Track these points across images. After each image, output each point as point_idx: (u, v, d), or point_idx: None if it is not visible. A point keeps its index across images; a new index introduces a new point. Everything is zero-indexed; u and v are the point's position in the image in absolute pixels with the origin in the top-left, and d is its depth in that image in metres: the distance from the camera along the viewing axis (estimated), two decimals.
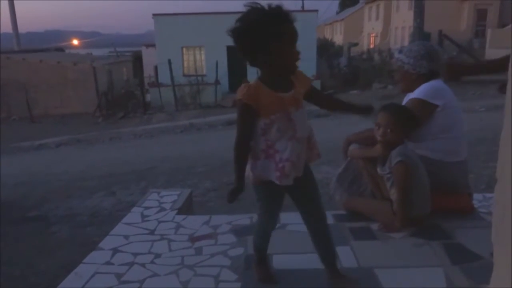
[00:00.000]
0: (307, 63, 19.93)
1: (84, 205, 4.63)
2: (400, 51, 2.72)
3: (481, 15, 30.03)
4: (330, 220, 2.62)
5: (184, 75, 20.53)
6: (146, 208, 2.96)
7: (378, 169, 2.48)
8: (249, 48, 1.67)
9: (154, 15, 22.16)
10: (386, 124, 2.36)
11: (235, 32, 1.65)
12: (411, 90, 2.62)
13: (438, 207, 2.48)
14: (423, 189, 2.38)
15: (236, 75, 21.56)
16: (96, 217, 4.18)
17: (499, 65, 2.22)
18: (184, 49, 22.41)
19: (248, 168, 1.74)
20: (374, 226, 2.47)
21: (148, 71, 24.80)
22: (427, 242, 2.28)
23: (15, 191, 5.43)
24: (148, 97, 19.54)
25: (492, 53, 19.57)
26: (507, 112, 1.52)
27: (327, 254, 1.92)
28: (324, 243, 1.90)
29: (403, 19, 31.47)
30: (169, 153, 7.74)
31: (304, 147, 1.77)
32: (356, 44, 34.40)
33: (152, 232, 2.58)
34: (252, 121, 1.69)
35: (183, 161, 6.63)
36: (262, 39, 1.61)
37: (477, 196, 2.85)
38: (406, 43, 24.91)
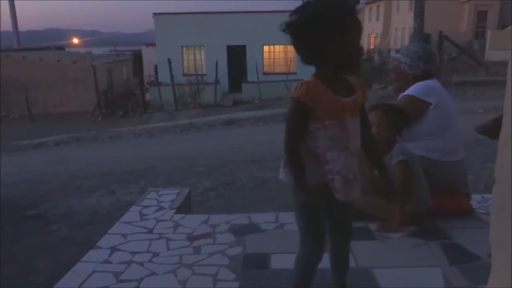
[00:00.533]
0: None
1: (83, 204, 4.63)
2: (398, 51, 2.74)
3: (481, 17, 30.05)
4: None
5: (184, 75, 20.54)
6: (145, 207, 2.96)
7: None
8: (309, 44, 1.47)
9: (154, 14, 22.18)
10: (378, 122, 2.39)
11: (292, 26, 1.47)
12: (404, 90, 2.64)
13: (436, 207, 2.49)
14: (421, 184, 2.39)
15: (235, 75, 21.62)
16: (95, 216, 4.18)
17: None
18: (184, 48, 22.43)
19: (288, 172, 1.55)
20: (373, 226, 2.47)
21: (148, 70, 24.83)
22: (426, 242, 2.28)
23: (14, 189, 5.43)
24: (148, 96, 19.55)
25: (492, 54, 19.58)
26: (506, 114, 1.52)
27: (341, 274, 1.78)
28: (342, 263, 1.76)
29: (403, 19, 31.48)
30: (169, 152, 7.73)
31: (357, 162, 1.56)
32: None
33: (150, 231, 2.58)
34: (304, 123, 1.50)
35: (183, 161, 6.63)
36: (325, 32, 1.43)
37: (475, 197, 2.85)
38: (406, 43, 24.90)
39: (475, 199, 2.81)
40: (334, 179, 1.51)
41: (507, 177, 1.48)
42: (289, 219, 2.61)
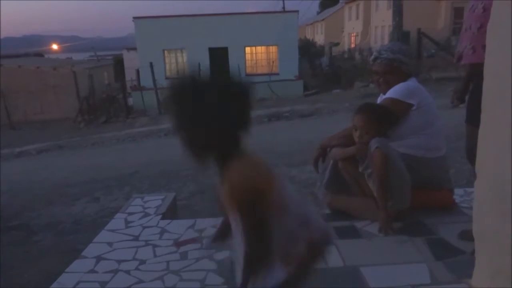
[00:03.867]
0: (289, 64, 20.06)
1: (67, 212, 4.56)
2: (393, 51, 2.66)
3: (458, 13, 30.50)
4: None
5: (167, 78, 20.38)
6: (130, 214, 2.93)
7: (360, 168, 2.50)
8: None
9: (134, 18, 21.98)
10: (362, 126, 2.40)
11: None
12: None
13: (420, 203, 2.52)
14: (402, 183, 2.41)
15: None
16: (80, 224, 4.11)
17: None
18: (165, 52, 22.29)
19: None
20: (359, 225, 2.49)
21: (130, 74, 24.58)
22: (411, 238, 2.31)
23: None
24: (131, 101, 19.35)
25: None
26: (484, 109, 1.55)
27: None
28: None
29: (383, 18, 31.83)
30: (153, 156, 7.67)
31: None
32: (337, 44, 34.66)
33: (136, 238, 2.55)
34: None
35: (167, 165, 6.57)
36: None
37: (458, 191, 2.89)
38: (386, 41, 25.20)
39: (458, 193, 2.85)
40: None
41: (488, 171, 1.51)
42: None
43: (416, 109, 2.55)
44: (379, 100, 2.75)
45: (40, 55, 30.24)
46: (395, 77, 2.63)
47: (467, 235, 2.04)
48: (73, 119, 17.82)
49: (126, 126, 15.05)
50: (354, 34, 40.98)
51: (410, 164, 2.46)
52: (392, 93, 2.59)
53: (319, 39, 42.20)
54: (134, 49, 23.23)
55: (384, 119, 2.42)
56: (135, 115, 17.41)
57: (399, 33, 13.36)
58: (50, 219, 4.36)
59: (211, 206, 4.23)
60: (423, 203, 2.54)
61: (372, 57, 2.76)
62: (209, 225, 2.67)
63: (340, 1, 47.51)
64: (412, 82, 2.64)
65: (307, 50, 24.99)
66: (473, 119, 2.01)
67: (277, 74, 19.64)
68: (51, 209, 4.73)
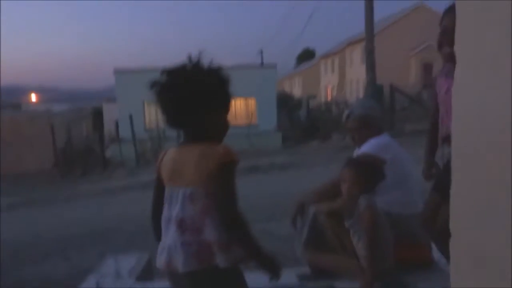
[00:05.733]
0: (268, 116, 20.43)
1: (36, 272, 4.35)
2: (364, 108, 2.79)
3: (427, 69, 32.09)
4: (293, 279, 2.58)
5: (146, 130, 20.39)
6: (102, 276, 2.81)
7: (346, 223, 2.47)
8: (181, 108, 1.60)
9: (115, 71, 22.27)
10: (350, 179, 2.40)
11: (163, 87, 1.63)
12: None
13: (398, 260, 2.49)
14: (386, 242, 2.39)
15: None
16: (48, 286, 3.92)
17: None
18: (146, 103, 22.44)
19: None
20: (338, 285, 2.44)
21: (109, 126, 24.52)
22: None
23: None
24: (109, 153, 19.15)
25: None
26: (454, 165, 1.58)
27: None
28: None
29: (357, 72, 33.16)
30: (130, 211, 7.48)
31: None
32: (314, 97, 35.67)
33: None
34: None
35: (145, 220, 6.41)
36: (202, 101, 1.60)
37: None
38: (361, 95, 26.08)
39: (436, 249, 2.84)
40: None
41: (461, 229, 1.52)
42: None
43: (390, 164, 2.59)
44: (354, 154, 2.81)
45: (17, 106, 29.96)
46: (369, 132, 2.74)
47: None
48: (49, 172, 17.43)
49: (103, 179, 14.78)
50: (330, 88, 42.35)
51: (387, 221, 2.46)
52: (366, 148, 2.65)
53: (297, 92, 43.45)
54: (114, 100, 23.35)
55: (372, 174, 2.43)
56: (113, 168, 17.16)
57: (373, 88, 13.88)
58: (17, 279, 4.14)
59: None
60: (401, 260, 2.52)
61: (345, 114, 2.86)
62: None
63: (316, 55, 49.48)
64: (384, 138, 2.73)
65: (285, 103, 25.58)
66: (443, 191, 2.05)
67: (256, 125, 19.91)
68: (19, 268, 4.51)
